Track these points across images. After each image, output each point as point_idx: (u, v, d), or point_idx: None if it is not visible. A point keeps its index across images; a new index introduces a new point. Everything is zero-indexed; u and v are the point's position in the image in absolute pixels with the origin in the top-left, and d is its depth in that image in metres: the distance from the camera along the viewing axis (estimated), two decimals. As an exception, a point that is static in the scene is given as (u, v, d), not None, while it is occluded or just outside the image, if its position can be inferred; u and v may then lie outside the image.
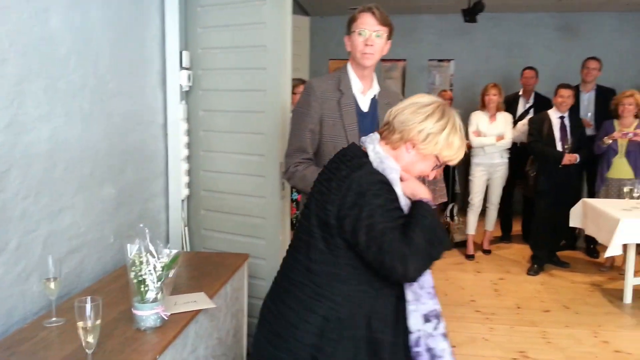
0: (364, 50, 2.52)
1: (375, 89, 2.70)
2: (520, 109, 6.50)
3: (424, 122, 1.70)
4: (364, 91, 2.66)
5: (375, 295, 1.67)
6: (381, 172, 1.69)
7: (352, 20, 2.57)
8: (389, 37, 2.60)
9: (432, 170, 1.80)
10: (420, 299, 1.65)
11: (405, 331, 1.67)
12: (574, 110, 5.64)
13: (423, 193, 1.70)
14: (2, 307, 2.26)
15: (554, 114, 5.49)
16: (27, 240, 2.37)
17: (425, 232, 1.59)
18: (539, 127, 5.50)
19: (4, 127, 2.21)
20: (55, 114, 2.51)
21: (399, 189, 1.69)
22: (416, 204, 1.68)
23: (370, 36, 2.51)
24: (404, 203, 1.69)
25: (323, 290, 1.68)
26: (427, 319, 1.65)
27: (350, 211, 1.62)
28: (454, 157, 1.76)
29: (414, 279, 1.61)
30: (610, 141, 5.30)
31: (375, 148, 1.74)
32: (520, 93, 6.59)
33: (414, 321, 1.65)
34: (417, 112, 1.72)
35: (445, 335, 1.66)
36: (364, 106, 2.65)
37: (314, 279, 1.69)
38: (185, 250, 3.71)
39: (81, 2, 2.68)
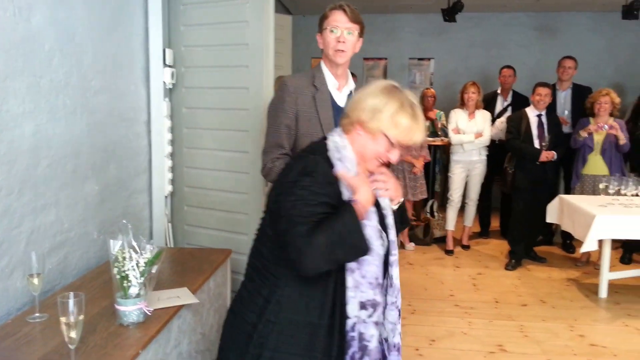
0: (336, 47, 2.54)
1: (351, 85, 2.73)
2: (499, 107, 6.57)
3: (368, 99, 1.74)
4: (339, 87, 2.69)
5: (314, 280, 1.68)
6: (338, 161, 1.72)
7: (323, 18, 2.59)
8: (361, 34, 2.62)
9: (388, 153, 1.76)
10: (360, 287, 1.68)
11: (342, 316, 1.70)
12: (551, 108, 5.73)
13: (361, 193, 1.67)
14: (-14, 303, 2.27)
15: (531, 112, 5.56)
16: (11, 236, 2.38)
17: (332, 234, 1.60)
18: (517, 125, 5.58)
19: (-13, 124, 2.22)
20: (38, 111, 2.53)
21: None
22: (342, 204, 1.67)
23: (342, 33, 2.53)
24: (348, 196, 1.69)
25: (268, 273, 1.74)
26: (363, 306, 1.68)
27: (279, 198, 1.70)
28: (404, 137, 1.72)
29: (308, 274, 1.63)
30: (586, 134, 5.39)
31: (334, 138, 1.79)
32: (499, 91, 6.66)
33: (352, 307, 1.68)
34: (363, 92, 1.77)
35: (376, 324, 1.70)
36: (341, 102, 2.68)
37: (263, 262, 1.77)
38: (168, 246, 3.74)
39: (65, 0, 2.69)
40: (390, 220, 1.84)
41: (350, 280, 1.68)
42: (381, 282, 1.72)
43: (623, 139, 5.31)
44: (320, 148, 1.78)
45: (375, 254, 1.71)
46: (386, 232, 1.82)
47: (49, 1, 2.57)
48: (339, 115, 2.64)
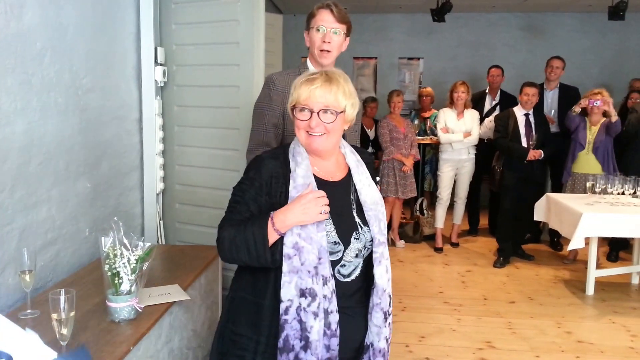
0: (322, 47, 2.54)
1: None
2: (487, 106, 6.62)
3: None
4: None
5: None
6: (292, 156, 1.81)
7: (310, 17, 2.59)
8: (347, 34, 2.62)
9: (302, 121, 1.77)
10: (299, 274, 1.69)
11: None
12: (539, 107, 5.78)
13: (287, 213, 1.69)
14: (-23, 300, 2.29)
15: (519, 111, 5.61)
16: (3, 232, 2.40)
17: (237, 237, 1.72)
18: (505, 124, 5.63)
19: (-21, 121, 2.23)
20: (30, 109, 2.54)
21: (296, 173, 1.77)
22: (263, 213, 1.74)
23: (328, 33, 2.53)
24: (301, 184, 1.75)
25: None
26: (302, 293, 1.69)
27: None
28: (294, 97, 1.78)
29: (229, 262, 1.80)
30: (579, 109, 5.43)
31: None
32: (487, 91, 6.71)
33: (285, 291, 1.70)
34: None
35: (316, 314, 1.68)
36: None
37: None
38: (160, 243, 3.75)
39: (56, -2, 2.70)
40: (372, 214, 1.83)
41: (285, 266, 1.70)
42: (324, 274, 1.70)
43: (614, 115, 5.34)
44: (286, 146, 1.89)
45: (315, 244, 1.70)
46: (367, 226, 1.82)
47: (41, 0, 2.58)
48: None
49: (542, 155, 5.48)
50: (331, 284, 1.72)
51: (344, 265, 1.79)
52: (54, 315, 1.87)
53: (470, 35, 8.64)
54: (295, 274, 1.70)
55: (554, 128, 6.01)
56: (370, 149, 6.89)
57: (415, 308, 4.48)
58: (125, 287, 2.18)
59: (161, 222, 3.81)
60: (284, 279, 1.70)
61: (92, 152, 3.07)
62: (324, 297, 1.70)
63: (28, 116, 2.52)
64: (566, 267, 5.61)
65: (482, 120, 6.31)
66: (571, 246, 4.56)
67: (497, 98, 6.63)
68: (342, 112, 1.77)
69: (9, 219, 2.43)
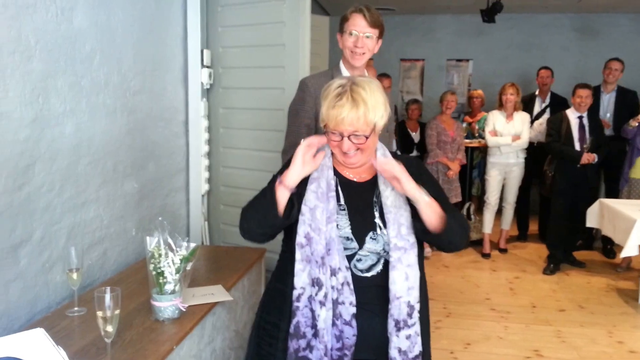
0: (354, 51, 2.57)
1: None
2: (537, 109, 6.47)
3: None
4: None
5: (285, 250, 1.90)
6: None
7: (344, 20, 2.60)
8: (380, 36, 2.62)
9: (336, 142, 1.78)
10: (310, 263, 1.76)
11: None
12: (594, 110, 5.61)
13: (292, 169, 1.75)
14: (27, 296, 2.34)
15: (572, 114, 5.46)
16: (51, 231, 2.45)
17: (256, 204, 1.83)
18: (558, 127, 5.48)
19: (29, 122, 2.29)
20: (79, 110, 2.59)
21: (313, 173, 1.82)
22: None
23: (361, 38, 2.54)
24: (315, 183, 1.80)
25: None
26: (313, 282, 1.75)
27: None
28: (328, 120, 1.75)
29: (246, 235, 1.87)
30: (637, 123, 5.27)
31: None
32: (537, 93, 6.56)
33: (297, 279, 1.77)
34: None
35: (322, 304, 1.72)
36: None
37: None
38: (204, 244, 3.78)
39: (106, 1, 2.75)
40: (391, 217, 1.79)
41: (298, 254, 1.77)
42: (332, 265, 1.73)
43: None
44: None
45: (323, 235, 1.74)
46: (382, 228, 1.81)
47: (91, 3, 2.63)
48: None
49: (596, 159, 5.32)
50: (342, 275, 1.75)
51: (360, 260, 1.80)
52: (99, 313, 1.90)
53: (521, 37, 8.44)
54: (307, 263, 1.76)
55: (608, 131, 5.82)
56: (415, 153, 6.81)
57: (460, 314, 4.40)
58: (169, 286, 2.20)
59: (206, 223, 3.85)
60: (297, 267, 1.77)
61: (139, 153, 3.12)
62: (332, 287, 1.74)
63: (77, 117, 2.58)
64: (619, 275, 5.42)
65: (532, 122, 6.16)
66: (624, 254, 4.41)
67: (548, 100, 6.47)
68: (372, 131, 1.76)
69: (57, 218, 2.48)
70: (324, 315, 1.73)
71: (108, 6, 2.78)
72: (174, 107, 3.51)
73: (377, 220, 1.81)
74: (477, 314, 4.42)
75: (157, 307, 2.22)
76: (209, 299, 2.48)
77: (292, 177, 1.74)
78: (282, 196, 1.74)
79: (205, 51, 3.65)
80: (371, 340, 1.80)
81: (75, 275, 2.27)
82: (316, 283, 1.74)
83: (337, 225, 1.78)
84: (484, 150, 6.65)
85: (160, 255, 2.15)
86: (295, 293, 1.77)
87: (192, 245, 2.24)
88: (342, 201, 1.83)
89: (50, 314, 2.31)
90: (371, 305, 1.79)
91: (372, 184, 1.88)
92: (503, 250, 6.22)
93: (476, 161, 7.14)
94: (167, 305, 2.22)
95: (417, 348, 1.79)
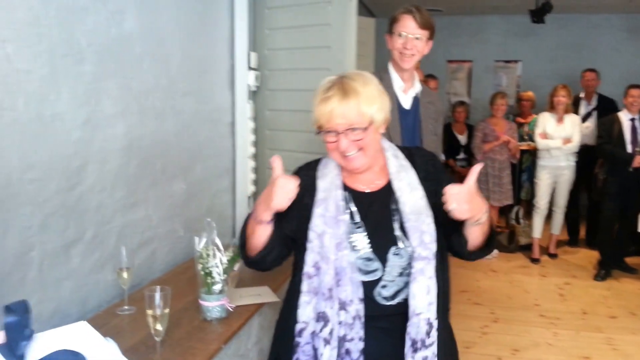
0: (403, 53, 2.52)
1: (417, 88, 2.68)
2: (582, 111, 6.32)
3: None
4: (405, 90, 2.65)
5: (293, 279, 1.75)
6: (321, 167, 1.76)
7: (393, 21, 2.55)
8: (430, 37, 2.57)
9: (331, 143, 1.64)
10: (317, 296, 1.59)
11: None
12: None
13: (260, 200, 1.64)
14: (78, 295, 2.39)
15: (624, 116, 5.30)
16: (103, 231, 2.49)
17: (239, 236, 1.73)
18: (608, 129, 5.33)
19: (81, 123, 2.34)
20: (129, 112, 2.63)
21: (319, 186, 1.70)
22: None
23: (410, 40, 2.50)
24: (322, 198, 1.67)
25: None
26: (317, 317, 1.58)
27: None
28: (316, 115, 1.65)
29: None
30: None
31: None
32: (582, 95, 6.40)
33: (301, 312, 1.61)
34: None
35: (327, 341, 1.55)
36: (406, 104, 2.64)
37: None
38: (250, 245, 3.79)
39: (155, 5, 2.79)
40: (411, 225, 1.62)
41: (305, 285, 1.62)
42: (341, 298, 1.56)
43: None
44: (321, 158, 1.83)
45: (332, 265, 1.57)
46: (404, 240, 1.63)
47: (140, 6, 2.67)
48: (404, 118, 2.61)
49: (649, 162, 5.14)
50: (355, 309, 1.57)
51: (385, 286, 1.62)
52: (149, 312, 1.92)
53: (570, 37, 8.24)
54: (314, 295, 1.60)
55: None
56: (462, 155, 6.72)
57: (508, 320, 4.31)
58: (217, 286, 2.22)
59: (252, 224, 3.86)
60: (303, 298, 1.61)
61: (187, 154, 3.15)
62: (340, 323, 1.57)
63: (127, 119, 2.62)
64: (674, 282, 5.24)
65: (579, 125, 6.00)
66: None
67: (594, 102, 6.31)
68: (369, 124, 1.60)
69: (108, 218, 2.53)
70: (328, 355, 1.56)
71: (157, 10, 2.82)
72: (221, 109, 3.54)
73: (398, 233, 1.64)
74: (525, 320, 4.33)
75: (205, 307, 2.24)
76: (255, 300, 2.49)
77: (260, 210, 1.61)
78: (258, 233, 1.63)
79: (252, 53, 3.67)
80: None
81: (125, 275, 2.30)
82: (322, 318, 1.57)
83: (355, 246, 1.61)
84: (533, 153, 6.50)
85: (208, 255, 2.17)
86: (298, 327, 1.61)
87: (240, 245, 2.24)
88: (358, 218, 1.66)
89: (100, 313, 2.36)
90: (386, 331, 1.63)
91: (386, 192, 1.69)
92: (553, 256, 6.08)
93: (525, 164, 6.98)
94: (215, 305, 2.24)
95: None
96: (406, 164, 1.73)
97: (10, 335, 1.02)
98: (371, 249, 1.62)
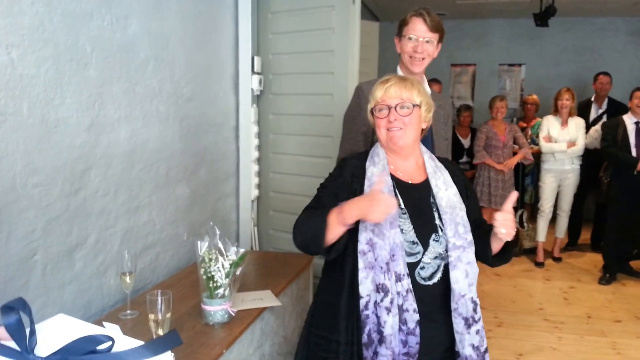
0: (413, 56, 2.48)
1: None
2: (593, 115, 6.28)
3: None
4: None
5: (334, 262, 1.83)
6: (371, 158, 1.89)
7: (403, 24, 2.51)
8: (440, 41, 2.53)
9: (381, 119, 1.86)
10: (374, 269, 1.72)
11: (357, 297, 1.74)
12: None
13: (351, 206, 1.67)
14: (82, 299, 2.40)
15: (629, 119, 5.27)
16: (106, 235, 2.50)
17: (307, 222, 1.78)
18: (613, 132, 5.30)
19: (86, 127, 2.35)
20: (133, 117, 2.65)
21: (370, 171, 1.83)
22: (335, 205, 1.73)
23: (421, 43, 2.45)
24: (376, 182, 1.77)
25: None
26: (377, 288, 1.71)
27: None
28: (373, 96, 1.89)
29: (298, 248, 1.83)
30: None
31: None
32: (593, 99, 6.37)
33: (363, 287, 1.73)
34: None
35: (389, 310, 1.69)
36: None
37: None
38: (254, 249, 3.81)
39: (159, 10, 2.81)
40: (447, 217, 1.81)
41: (361, 262, 1.74)
42: (397, 271, 1.71)
43: None
44: (371, 149, 1.95)
45: (387, 241, 1.71)
46: (442, 229, 1.81)
47: (145, 11, 2.69)
48: None
49: (655, 166, 5.12)
50: (406, 282, 1.72)
51: (424, 268, 1.79)
52: (151, 316, 1.93)
53: (575, 41, 8.22)
54: (371, 270, 1.73)
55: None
56: (465, 159, 6.71)
57: (512, 324, 4.29)
58: (219, 291, 2.22)
59: (255, 228, 3.87)
60: (361, 275, 1.73)
61: (191, 158, 3.16)
62: (398, 293, 1.72)
63: (131, 124, 2.63)
64: (679, 287, 5.21)
65: (588, 129, 5.98)
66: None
67: (604, 106, 6.27)
68: (417, 105, 1.84)
69: (112, 222, 2.54)
70: (391, 322, 1.70)
71: (161, 14, 2.83)
72: (225, 113, 3.56)
73: (438, 222, 1.82)
74: (529, 324, 4.31)
75: (207, 311, 2.24)
76: (258, 304, 2.49)
77: (352, 214, 1.66)
78: (336, 231, 1.70)
79: (255, 58, 3.69)
80: (434, 347, 1.79)
81: (128, 279, 2.31)
82: (381, 289, 1.71)
83: (402, 229, 1.77)
84: (537, 156, 6.49)
85: (210, 259, 2.17)
86: (363, 302, 1.73)
87: (242, 250, 2.25)
88: (402, 205, 1.82)
89: (103, 317, 2.36)
90: (433, 314, 1.78)
91: (426, 186, 1.88)
92: (557, 259, 6.05)
93: (529, 168, 6.97)
94: (217, 309, 2.24)
95: (485, 342, 1.81)
96: (440, 165, 1.94)
97: (14, 333, 1.03)
98: (415, 234, 1.79)
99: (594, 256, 6.10)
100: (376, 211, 1.63)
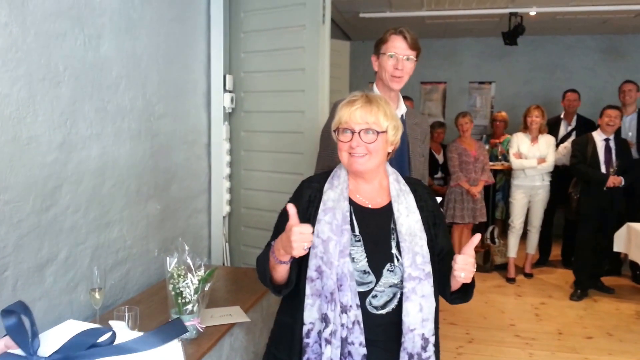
0: (394, 74, 2.50)
1: (402, 109, 2.66)
2: (562, 132, 6.41)
3: None
4: None
5: (296, 285, 1.78)
6: (330, 179, 1.86)
7: (381, 42, 2.54)
8: (417, 58, 2.57)
9: (344, 143, 1.79)
10: (321, 297, 1.68)
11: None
12: (618, 132, 5.55)
13: (282, 238, 1.65)
14: (51, 315, 2.40)
15: (598, 137, 5.38)
16: (76, 251, 2.52)
17: (260, 263, 1.79)
18: (582, 149, 5.41)
19: (57, 145, 2.38)
20: (105, 134, 2.67)
21: (327, 196, 1.79)
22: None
23: (401, 60, 2.49)
24: (330, 207, 1.74)
25: None
26: (322, 317, 1.68)
27: None
28: (336, 119, 1.81)
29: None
30: None
31: None
32: (562, 116, 6.51)
33: (307, 314, 1.70)
34: None
35: (328, 341, 1.64)
36: None
37: None
38: (225, 265, 3.83)
39: (132, 30, 2.85)
40: (405, 246, 1.72)
41: (308, 289, 1.70)
42: (342, 302, 1.65)
43: None
44: (332, 170, 1.91)
45: (334, 269, 1.65)
46: (399, 258, 1.73)
47: (117, 31, 2.73)
48: None
49: (623, 182, 5.24)
50: (353, 313, 1.66)
51: (376, 296, 1.72)
52: (119, 332, 1.94)
53: (545, 59, 8.39)
54: (318, 298, 1.69)
55: (635, 153, 5.73)
56: (439, 174, 6.80)
57: (483, 340, 4.34)
58: (188, 306, 2.24)
59: (227, 244, 3.90)
60: (307, 301, 1.70)
61: (162, 175, 3.19)
62: (342, 325, 1.66)
63: (103, 141, 2.66)
64: (649, 302, 5.30)
65: (557, 145, 6.10)
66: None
67: (573, 123, 6.40)
68: (383, 132, 1.76)
69: (82, 239, 2.56)
70: (329, 354, 1.64)
71: (134, 34, 2.87)
72: (197, 131, 3.60)
73: (394, 251, 1.74)
74: (500, 340, 4.35)
75: (176, 327, 2.26)
76: (226, 320, 2.51)
77: (280, 253, 1.65)
78: (279, 269, 1.69)
79: (227, 76, 3.74)
80: None
81: (97, 295, 2.32)
82: (324, 319, 1.66)
83: (353, 258, 1.70)
84: (507, 173, 6.60)
85: (179, 275, 2.19)
86: (305, 329, 1.70)
87: (211, 266, 2.28)
88: (357, 231, 1.74)
89: (73, 332, 2.36)
90: (384, 342, 1.72)
91: (387, 211, 1.80)
92: (528, 275, 6.11)
93: (499, 184, 7.08)
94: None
95: None
96: (406, 188, 1.85)
97: (15, 336, 1.04)
98: (367, 263, 1.71)
99: (565, 272, 6.16)
100: (293, 246, 1.58)
